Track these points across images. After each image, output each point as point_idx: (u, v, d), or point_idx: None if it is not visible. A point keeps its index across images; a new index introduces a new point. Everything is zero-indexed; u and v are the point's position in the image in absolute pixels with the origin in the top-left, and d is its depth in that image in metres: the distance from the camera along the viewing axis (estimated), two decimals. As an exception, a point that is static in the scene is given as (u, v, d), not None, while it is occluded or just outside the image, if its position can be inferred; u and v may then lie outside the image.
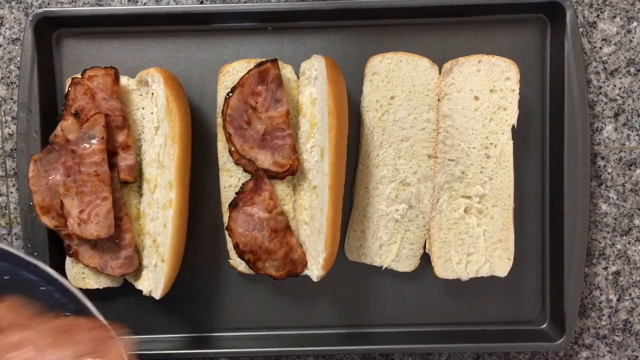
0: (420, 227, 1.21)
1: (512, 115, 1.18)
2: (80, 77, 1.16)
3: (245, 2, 1.26)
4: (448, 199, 1.19)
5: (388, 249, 1.22)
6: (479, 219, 1.19)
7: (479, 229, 1.19)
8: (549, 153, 1.25)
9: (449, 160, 1.19)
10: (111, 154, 1.15)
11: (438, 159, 1.19)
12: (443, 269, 1.20)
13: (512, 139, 1.18)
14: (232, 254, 1.20)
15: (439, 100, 1.19)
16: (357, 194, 1.22)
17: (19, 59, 1.25)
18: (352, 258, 1.23)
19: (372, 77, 1.20)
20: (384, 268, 1.22)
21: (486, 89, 1.18)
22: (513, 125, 1.18)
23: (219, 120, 1.17)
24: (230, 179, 1.19)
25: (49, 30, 1.23)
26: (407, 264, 1.22)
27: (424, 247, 1.22)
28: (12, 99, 1.26)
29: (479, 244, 1.20)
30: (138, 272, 1.20)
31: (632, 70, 1.26)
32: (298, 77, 1.19)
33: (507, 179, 1.18)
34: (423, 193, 1.20)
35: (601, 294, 1.28)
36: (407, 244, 1.21)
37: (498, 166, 1.18)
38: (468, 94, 1.19)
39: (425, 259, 1.22)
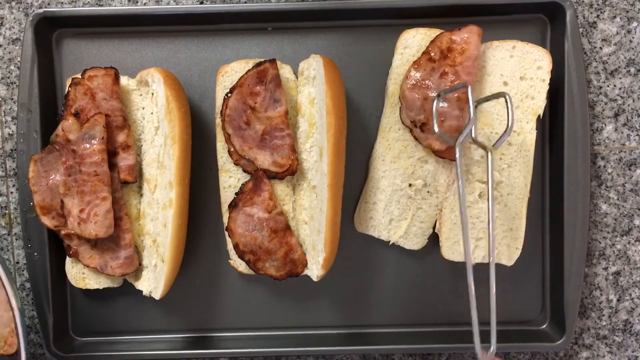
0: (432, 207, 1.20)
1: (539, 105, 1.17)
2: (80, 77, 1.16)
3: (245, 2, 1.26)
4: (464, 183, 1.18)
5: (398, 224, 1.21)
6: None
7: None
8: (549, 153, 1.25)
9: (470, 142, 1.18)
10: (111, 154, 1.15)
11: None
12: (450, 251, 1.20)
13: (536, 129, 1.18)
14: (232, 254, 1.20)
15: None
16: (373, 165, 1.21)
17: (19, 59, 1.25)
18: (361, 230, 1.23)
19: (403, 51, 1.19)
20: (391, 243, 1.22)
21: (516, 75, 1.18)
22: (539, 116, 1.17)
23: (218, 120, 1.17)
24: (230, 179, 1.19)
25: (49, 30, 1.23)
26: (414, 242, 1.22)
27: (434, 228, 1.22)
28: (12, 99, 1.26)
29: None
30: (138, 272, 1.20)
31: (632, 70, 1.26)
32: (296, 77, 1.19)
33: (525, 168, 1.18)
34: (440, 172, 1.19)
35: (601, 294, 1.28)
36: (417, 222, 1.21)
37: (518, 155, 1.18)
38: (498, 79, 1.18)
39: (434, 240, 1.22)
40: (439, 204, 1.20)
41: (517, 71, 1.18)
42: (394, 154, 1.20)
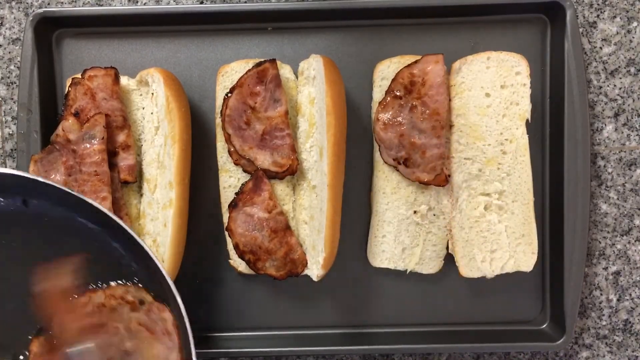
0: (442, 228, 1.20)
1: (525, 109, 1.17)
2: (80, 77, 1.16)
3: (245, 2, 1.26)
4: (467, 198, 1.18)
5: (411, 252, 1.21)
6: (499, 216, 1.19)
7: (501, 225, 1.18)
8: (549, 153, 1.25)
9: (465, 159, 1.18)
10: (111, 153, 1.15)
11: (454, 159, 1.18)
12: (468, 268, 1.19)
13: (527, 133, 1.18)
14: (232, 254, 1.20)
15: (450, 99, 1.19)
16: (375, 200, 1.21)
17: (19, 59, 1.25)
18: (376, 264, 1.22)
19: (381, 83, 1.20)
20: (408, 272, 1.22)
21: (497, 85, 1.18)
22: (527, 120, 1.18)
23: (218, 120, 1.17)
24: (230, 179, 1.19)
25: (49, 30, 1.23)
26: (431, 266, 1.21)
27: (447, 248, 1.22)
28: (12, 99, 1.26)
29: (501, 240, 1.19)
30: (138, 272, 1.20)
31: (632, 70, 1.26)
32: (297, 77, 1.19)
33: (524, 173, 1.18)
34: (442, 194, 1.20)
35: (601, 294, 1.28)
36: (430, 246, 1.21)
37: (515, 161, 1.18)
38: (479, 92, 1.18)
39: (449, 259, 1.22)
40: (447, 224, 1.20)
41: (496, 81, 1.18)
42: (393, 185, 1.20)
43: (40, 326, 1.00)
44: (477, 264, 1.19)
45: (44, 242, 1.01)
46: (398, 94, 1.16)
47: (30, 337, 1.00)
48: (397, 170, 1.18)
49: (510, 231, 1.19)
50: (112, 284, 1.01)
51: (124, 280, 1.01)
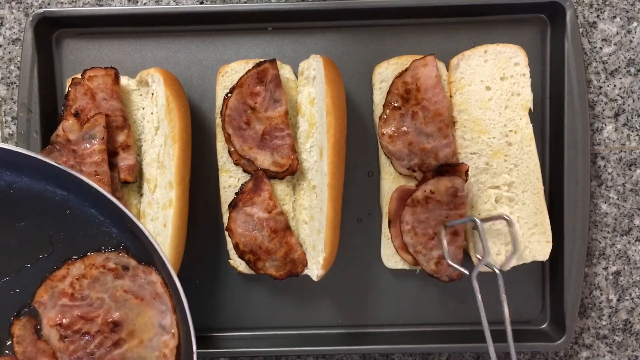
0: None
1: (527, 99, 1.18)
2: (80, 77, 1.16)
3: (246, 2, 1.26)
4: (477, 192, 1.18)
5: None
6: (511, 207, 1.18)
7: (513, 217, 1.18)
8: (549, 153, 1.25)
9: (471, 154, 1.18)
10: (111, 154, 1.16)
11: (460, 155, 1.18)
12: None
13: (531, 123, 1.18)
14: (232, 254, 1.20)
15: (451, 96, 1.19)
16: (384, 201, 1.21)
17: (19, 59, 1.25)
18: (390, 265, 1.22)
19: (381, 85, 1.20)
20: (417, 272, 1.22)
21: (496, 77, 1.18)
22: (530, 109, 1.18)
23: (218, 120, 1.17)
24: (230, 179, 1.19)
25: (49, 31, 1.23)
26: None
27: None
28: (12, 99, 1.27)
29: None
30: (138, 272, 1.20)
31: (632, 70, 1.26)
32: (296, 77, 1.19)
33: (532, 162, 1.18)
34: None
35: (601, 294, 1.28)
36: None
37: (521, 152, 1.18)
38: (479, 86, 1.18)
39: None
40: None
41: (495, 73, 1.18)
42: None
43: (20, 307, 0.97)
44: (492, 257, 1.18)
45: (14, 217, 0.96)
46: (396, 104, 1.16)
47: (11, 319, 0.96)
48: (414, 179, 1.18)
49: (522, 222, 1.19)
50: (91, 253, 0.98)
51: (105, 248, 0.98)
